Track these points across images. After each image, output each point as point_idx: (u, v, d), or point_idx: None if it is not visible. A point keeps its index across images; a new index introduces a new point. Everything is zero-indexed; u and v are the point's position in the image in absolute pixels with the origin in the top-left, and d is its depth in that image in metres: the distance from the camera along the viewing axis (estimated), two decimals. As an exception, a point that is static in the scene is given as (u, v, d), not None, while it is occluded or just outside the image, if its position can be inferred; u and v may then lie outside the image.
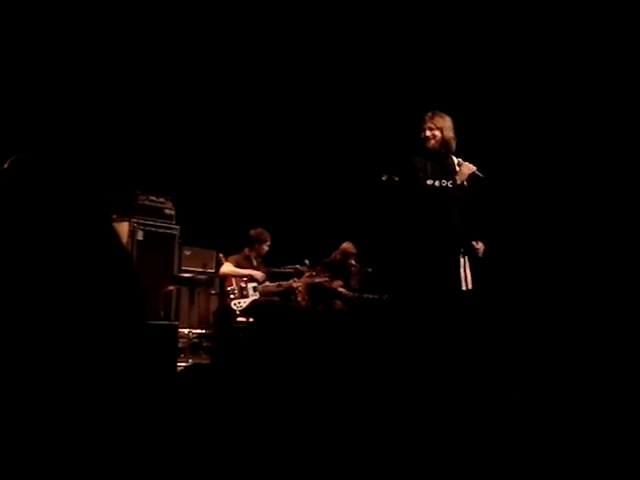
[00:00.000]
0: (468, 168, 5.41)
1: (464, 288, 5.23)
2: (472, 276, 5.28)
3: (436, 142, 5.40)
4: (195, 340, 8.10)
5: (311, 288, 7.81)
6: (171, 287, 8.15)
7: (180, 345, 7.31)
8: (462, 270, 5.26)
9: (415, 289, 5.33)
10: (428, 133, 5.42)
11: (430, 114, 5.45)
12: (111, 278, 1.96)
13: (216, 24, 8.63)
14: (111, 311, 1.92)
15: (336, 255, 8.13)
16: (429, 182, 5.20)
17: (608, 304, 6.64)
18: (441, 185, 5.18)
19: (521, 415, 3.77)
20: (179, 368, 6.25)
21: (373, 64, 8.77)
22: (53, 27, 7.64)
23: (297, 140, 9.42)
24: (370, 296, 7.78)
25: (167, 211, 8.55)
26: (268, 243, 8.12)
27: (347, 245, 8.15)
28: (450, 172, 5.38)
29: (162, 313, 8.00)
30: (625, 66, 7.29)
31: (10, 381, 1.80)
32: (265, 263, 8.32)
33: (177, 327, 6.60)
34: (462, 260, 5.29)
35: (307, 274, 7.92)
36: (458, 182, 5.31)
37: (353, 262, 8.12)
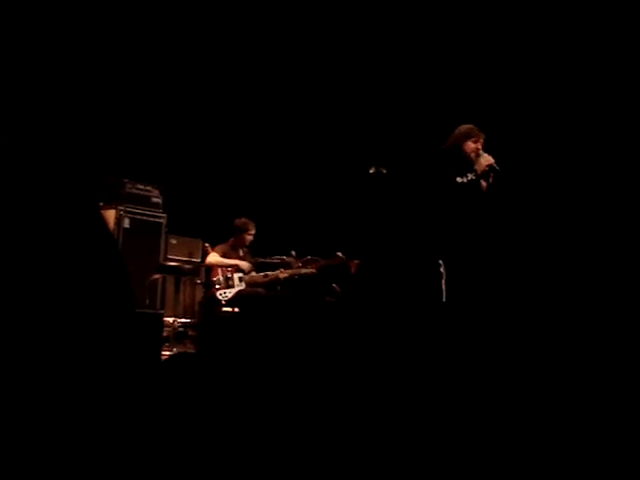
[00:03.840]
0: (486, 159, 5.34)
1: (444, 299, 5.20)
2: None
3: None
4: (180, 329, 8.10)
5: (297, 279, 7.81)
6: (157, 276, 8.14)
7: (165, 334, 7.30)
8: (443, 280, 5.24)
9: (412, 287, 5.30)
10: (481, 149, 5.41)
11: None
12: (98, 265, 1.96)
13: (205, 16, 8.61)
14: (98, 298, 1.92)
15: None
16: (459, 179, 5.20)
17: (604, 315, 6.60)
18: (463, 180, 5.17)
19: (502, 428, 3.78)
20: (164, 357, 6.25)
21: (358, 56, 8.76)
22: (41, 17, 7.59)
23: (285, 130, 9.41)
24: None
25: (154, 199, 8.54)
26: (251, 232, 8.13)
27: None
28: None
29: (147, 301, 7.99)
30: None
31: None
32: (252, 253, 8.32)
33: (162, 316, 6.59)
34: (442, 269, 5.25)
35: (295, 265, 7.93)
36: (479, 172, 5.28)
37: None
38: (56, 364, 1.86)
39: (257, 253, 8.40)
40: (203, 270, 8.41)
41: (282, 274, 7.88)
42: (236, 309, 7.70)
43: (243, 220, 8.11)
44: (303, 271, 7.86)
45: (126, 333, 1.98)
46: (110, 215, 7.92)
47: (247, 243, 8.18)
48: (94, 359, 1.91)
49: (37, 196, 1.93)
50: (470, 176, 5.24)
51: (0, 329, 1.79)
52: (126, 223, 8.03)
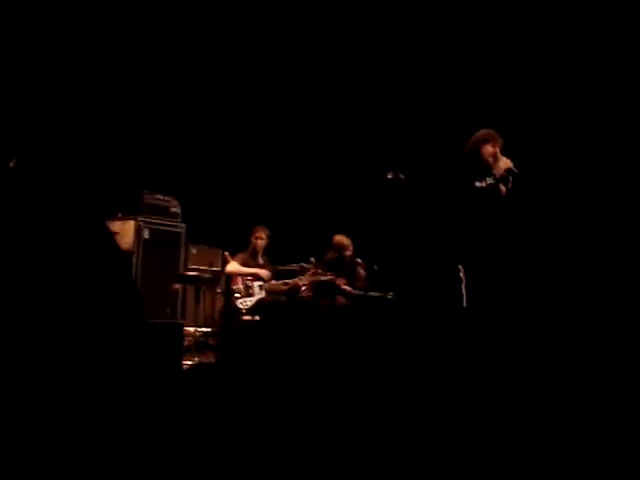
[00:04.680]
0: (505, 163, 5.32)
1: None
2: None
3: None
4: (201, 338, 8.10)
5: (315, 285, 7.82)
6: (177, 285, 8.16)
7: (186, 343, 7.32)
8: (463, 285, 5.22)
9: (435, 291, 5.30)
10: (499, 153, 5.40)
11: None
12: (107, 279, 1.97)
13: (219, 22, 8.64)
14: (107, 310, 1.93)
15: (332, 253, 8.11)
16: (477, 184, 5.20)
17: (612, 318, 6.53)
18: (482, 185, 5.17)
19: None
20: (185, 366, 6.26)
21: (372, 60, 8.76)
22: (55, 25, 7.64)
23: (303, 136, 9.42)
24: (375, 294, 7.73)
25: (173, 209, 8.57)
26: (258, 236, 8.12)
27: (339, 238, 8.10)
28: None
29: (168, 311, 8.01)
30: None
31: (10, 382, 1.80)
32: (271, 261, 8.33)
33: (182, 326, 6.59)
34: (462, 274, 5.24)
35: (312, 272, 7.91)
36: (497, 176, 5.27)
37: (349, 254, 8.08)
38: (68, 376, 1.86)
39: (276, 261, 8.41)
40: (223, 279, 8.42)
41: (302, 281, 7.88)
42: (257, 317, 7.69)
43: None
44: (323, 278, 7.85)
45: (136, 342, 1.99)
46: (129, 226, 7.94)
47: (258, 248, 8.17)
48: (104, 370, 1.91)
49: (50, 211, 1.95)
50: (489, 180, 5.23)
51: (11, 343, 1.80)
52: (146, 234, 8.05)
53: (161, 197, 8.47)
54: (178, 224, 8.54)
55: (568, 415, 3.77)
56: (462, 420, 3.64)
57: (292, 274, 8.14)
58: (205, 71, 9.00)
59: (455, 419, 3.66)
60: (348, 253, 8.04)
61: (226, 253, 8.45)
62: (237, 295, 7.86)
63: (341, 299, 7.84)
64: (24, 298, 1.84)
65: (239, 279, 7.93)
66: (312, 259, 8.07)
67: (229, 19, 8.62)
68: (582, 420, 3.68)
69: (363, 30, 8.61)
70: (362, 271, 8.17)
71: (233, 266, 8.06)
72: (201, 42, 8.73)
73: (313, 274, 7.87)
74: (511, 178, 5.28)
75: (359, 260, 8.17)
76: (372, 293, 7.70)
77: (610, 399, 4.05)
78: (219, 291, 8.53)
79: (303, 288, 7.86)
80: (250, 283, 7.93)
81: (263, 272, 8.06)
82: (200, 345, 7.91)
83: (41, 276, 1.87)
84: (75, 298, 1.89)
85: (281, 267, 8.39)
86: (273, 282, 8.07)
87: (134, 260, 7.77)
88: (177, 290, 8.23)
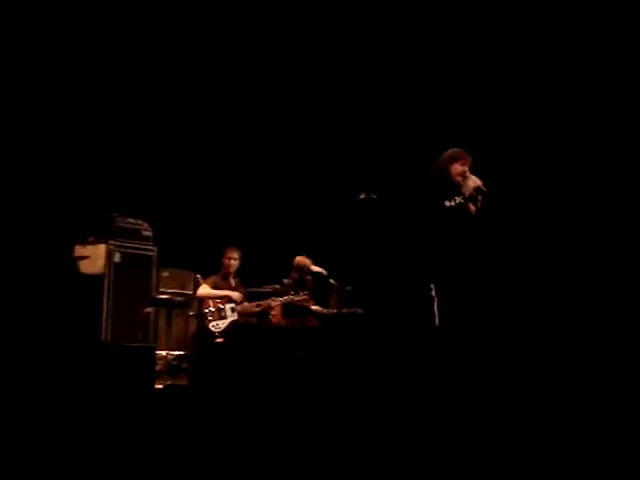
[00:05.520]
0: (474, 182, 5.33)
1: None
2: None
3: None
4: (174, 362, 8.05)
5: (287, 307, 7.80)
6: (149, 309, 8.10)
7: (158, 367, 7.26)
8: (435, 304, 5.22)
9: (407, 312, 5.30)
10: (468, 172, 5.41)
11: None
12: (64, 302, 1.97)
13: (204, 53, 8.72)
14: (62, 332, 1.93)
15: (294, 274, 8.07)
16: (447, 203, 5.21)
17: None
18: (451, 204, 5.19)
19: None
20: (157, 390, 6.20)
21: (344, 82, 8.81)
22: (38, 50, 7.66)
23: (274, 158, 9.42)
24: (346, 310, 7.70)
25: (145, 233, 8.51)
26: (230, 256, 8.14)
27: (299, 259, 8.07)
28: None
29: (140, 335, 7.95)
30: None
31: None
32: (244, 284, 8.31)
33: (154, 349, 6.54)
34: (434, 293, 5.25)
35: (284, 293, 7.90)
36: (466, 195, 5.27)
37: (310, 277, 8.03)
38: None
39: (249, 283, 8.39)
40: (195, 302, 8.38)
41: (274, 302, 7.86)
42: (230, 340, 7.66)
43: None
44: (296, 299, 7.83)
45: (92, 363, 1.98)
46: (101, 250, 7.87)
47: (230, 269, 8.17)
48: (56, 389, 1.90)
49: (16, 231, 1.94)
50: (458, 199, 5.25)
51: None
52: (117, 257, 7.99)
53: (132, 220, 8.42)
54: (150, 247, 8.48)
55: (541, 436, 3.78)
56: (432, 438, 3.64)
57: (265, 295, 8.13)
58: (174, 93, 9.01)
59: (426, 435, 3.66)
60: (309, 277, 8.00)
61: (198, 276, 8.43)
62: (210, 318, 7.84)
63: (313, 320, 7.81)
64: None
65: (210, 302, 7.92)
66: (285, 281, 8.07)
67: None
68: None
69: (336, 52, 8.67)
70: (335, 292, 8.15)
71: (204, 289, 8.06)
72: (172, 64, 8.76)
73: (285, 295, 7.85)
74: (480, 197, 5.30)
75: (332, 281, 8.14)
76: (343, 310, 7.67)
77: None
78: (191, 314, 8.48)
79: (273, 313, 7.82)
80: (222, 306, 7.92)
81: (235, 294, 8.05)
82: (172, 369, 7.86)
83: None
84: (31, 318, 1.88)
85: (254, 289, 8.38)
86: (246, 304, 8.06)
87: (105, 284, 7.71)
88: (149, 314, 8.16)
